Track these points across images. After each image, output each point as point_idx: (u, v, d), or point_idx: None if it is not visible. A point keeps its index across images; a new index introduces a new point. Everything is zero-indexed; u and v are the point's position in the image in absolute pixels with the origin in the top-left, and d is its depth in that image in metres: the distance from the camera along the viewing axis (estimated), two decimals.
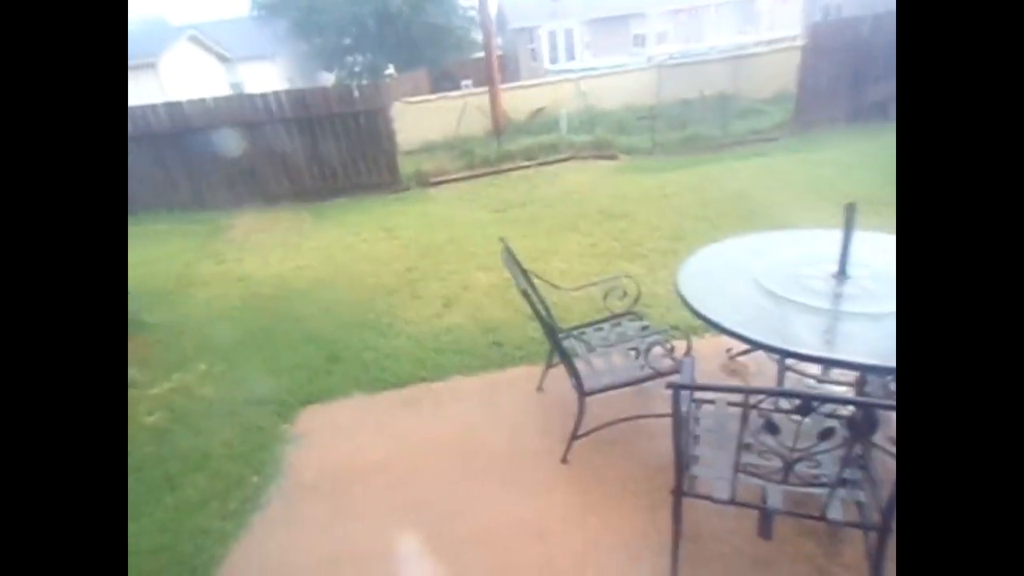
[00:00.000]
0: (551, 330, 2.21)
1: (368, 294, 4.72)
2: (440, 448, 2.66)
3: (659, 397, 2.55)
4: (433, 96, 13.60)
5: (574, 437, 2.39)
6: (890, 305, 1.86)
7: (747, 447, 1.65)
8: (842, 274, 2.07)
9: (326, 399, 3.23)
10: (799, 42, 9.98)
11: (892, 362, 1.61)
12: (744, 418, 1.37)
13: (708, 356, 3.00)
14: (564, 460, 2.42)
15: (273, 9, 22.16)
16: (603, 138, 10.14)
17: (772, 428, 1.34)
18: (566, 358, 2.26)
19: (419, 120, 11.86)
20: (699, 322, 2.00)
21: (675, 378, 1.60)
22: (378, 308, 4.38)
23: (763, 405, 1.82)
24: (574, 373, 2.27)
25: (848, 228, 2.04)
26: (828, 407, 1.63)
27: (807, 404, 1.26)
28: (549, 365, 2.87)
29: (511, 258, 2.40)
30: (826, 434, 1.31)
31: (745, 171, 7.29)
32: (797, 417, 1.35)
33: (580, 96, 12.52)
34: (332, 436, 2.91)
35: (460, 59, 22.43)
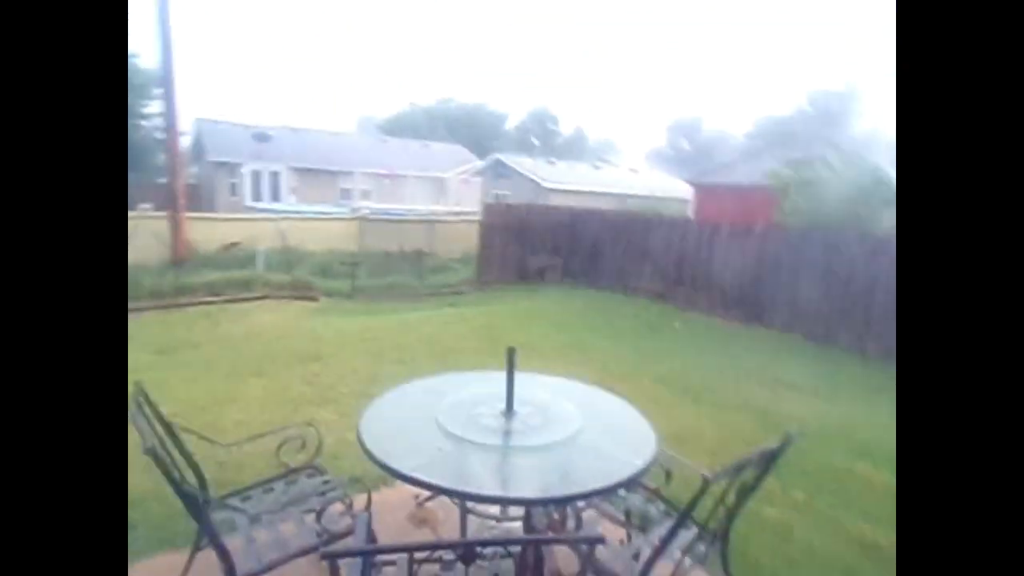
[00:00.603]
0: (189, 500, 1.73)
1: None
2: None
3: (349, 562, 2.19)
4: None
5: None
6: (552, 436, 2.06)
7: None
8: (509, 411, 2.25)
9: None
10: (477, 217, 12.06)
11: (558, 492, 1.72)
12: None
13: (396, 506, 2.81)
14: None
15: None
16: (303, 279, 9.85)
17: None
18: (211, 536, 1.77)
19: None
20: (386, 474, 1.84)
21: (346, 542, 1.37)
22: None
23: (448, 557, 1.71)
24: (222, 555, 1.78)
25: (510, 369, 2.27)
26: (499, 550, 1.62)
27: (469, 551, 1.20)
28: (196, 548, 2.22)
29: (141, 406, 1.89)
30: None
31: (438, 318, 7.91)
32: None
33: (280, 235, 12.15)
34: None
35: (140, 182, 19.75)
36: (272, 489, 2.35)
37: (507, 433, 2.13)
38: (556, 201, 20.31)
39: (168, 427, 2.09)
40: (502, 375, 2.57)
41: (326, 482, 2.37)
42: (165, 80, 10.29)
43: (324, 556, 1.07)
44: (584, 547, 1.67)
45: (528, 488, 1.82)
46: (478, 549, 1.26)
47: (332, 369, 5.24)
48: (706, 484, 1.62)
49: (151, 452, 1.54)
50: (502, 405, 2.27)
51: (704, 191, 18.46)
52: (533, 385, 2.55)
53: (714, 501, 1.84)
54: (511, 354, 2.25)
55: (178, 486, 1.67)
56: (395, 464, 1.77)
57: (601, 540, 1.21)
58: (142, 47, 22.26)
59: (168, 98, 10.29)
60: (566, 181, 25.78)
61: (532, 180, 25.18)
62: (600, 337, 7.26)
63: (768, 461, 1.80)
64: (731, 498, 1.87)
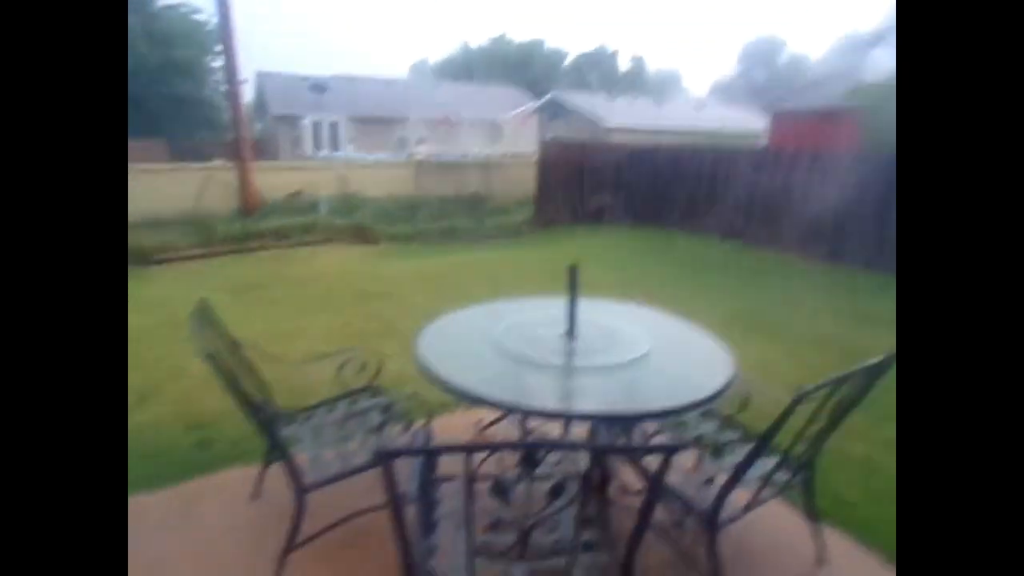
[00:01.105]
0: (254, 410, 1.74)
1: None
2: None
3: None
4: (168, 166, 11.90)
5: (289, 549, 1.86)
6: (617, 357, 1.93)
7: (493, 527, 1.43)
8: (571, 332, 2.12)
9: None
10: (534, 158, 11.71)
11: (624, 407, 1.60)
12: (469, 484, 1.15)
13: (458, 430, 2.81)
14: None
15: None
16: (364, 224, 10.00)
17: (500, 490, 1.15)
18: (278, 447, 1.79)
19: (147, 191, 10.10)
20: (447, 397, 1.78)
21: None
22: None
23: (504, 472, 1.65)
24: (289, 466, 1.80)
25: (572, 291, 2.13)
26: (560, 465, 1.54)
27: (532, 455, 1.10)
28: (268, 462, 2.30)
29: (203, 319, 1.90)
30: (557, 491, 1.17)
31: (496, 259, 7.83)
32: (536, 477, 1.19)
33: (341, 183, 12.34)
34: None
35: (211, 138, 20.57)
36: (335, 408, 2.37)
37: (570, 353, 2.01)
38: (617, 140, 19.45)
39: (234, 344, 2.12)
40: (557, 302, 2.42)
41: (387, 406, 2.37)
42: (224, 36, 10.40)
43: (379, 457, 1.00)
44: (653, 461, 1.56)
45: (592, 405, 1.70)
46: (540, 456, 1.16)
47: (393, 306, 5.30)
48: (796, 401, 1.45)
49: (211, 359, 1.54)
50: (563, 327, 2.15)
51: (779, 118, 16.93)
52: (596, 310, 2.41)
53: (797, 430, 1.67)
54: (573, 273, 2.11)
55: (243, 395, 1.67)
56: (455, 379, 1.71)
57: (675, 449, 1.08)
58: (201, 2, 22.70)
59: (228, 54, 10.43)
60: (627, 118, 24.54)
61: (590, 119, 24.15)
62: (663, 276, 6.96)
63: (872, 376, 1.59)
64: (819, 424, 1.69)
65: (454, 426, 2.85)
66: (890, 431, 3.01)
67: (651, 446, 1.97)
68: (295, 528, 1.86)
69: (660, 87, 40.41)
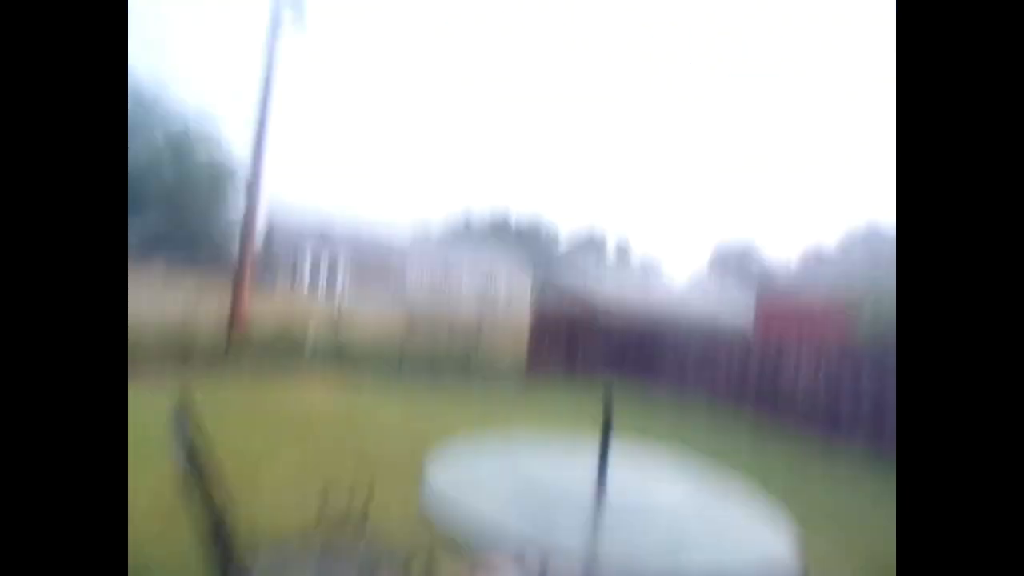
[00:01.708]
0: (216, 532, 1.41)
1: None
2: None
3: None
4: (165, 277, 11.85)
5: None
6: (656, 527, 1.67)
7: None
8: (600, 499, 1.86)
9: None
10: (526, 323, 12.04)
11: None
12: None
13: None
14: None
15: None
16: (350, 364, 9.72)
17: None
18: None
19: (139, 301, 9.88)
20: (449, 539, 1.50)
21: None
22: None
23: None
24: None
25: (604, 444, 1.86)
26: None
27: None
28: None
29: (181, 419, 1.65)
30: None
31: (488, 406, 7.48)
32: None
33: (333, 321, 12.30)
34: None
35: (215, 256, 21.15)
36: (310, 543, 1.99)
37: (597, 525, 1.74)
38: (608, 319, 20.15)
39: (207, 450, 1.84)
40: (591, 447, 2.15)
41: (377, 545, 2.00)
42: (253, 177, 11.05)
43: None
44: None
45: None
46: None
47: (378, 440, 4.89)
48: None
49: (189, 462, 1.29)
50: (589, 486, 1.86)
51: (764, 306, 17.69)
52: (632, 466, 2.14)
53: None
54: (607, 422, 1.88)
55: (212, 510, 1.38)
56: (471, 511, 1.45)
57: None
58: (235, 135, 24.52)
59: (252, 194, 11.06)
60: (618, 299, 25.78)
61: (582, 297, 25.31)
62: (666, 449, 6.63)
63: None
64: None
65: None
66: None
67: None
68: None
69: (648, 271, 43.36)
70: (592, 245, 46.91)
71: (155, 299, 10.34)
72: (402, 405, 7.21)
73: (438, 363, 11.26)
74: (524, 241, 42.19)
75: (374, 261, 24.33)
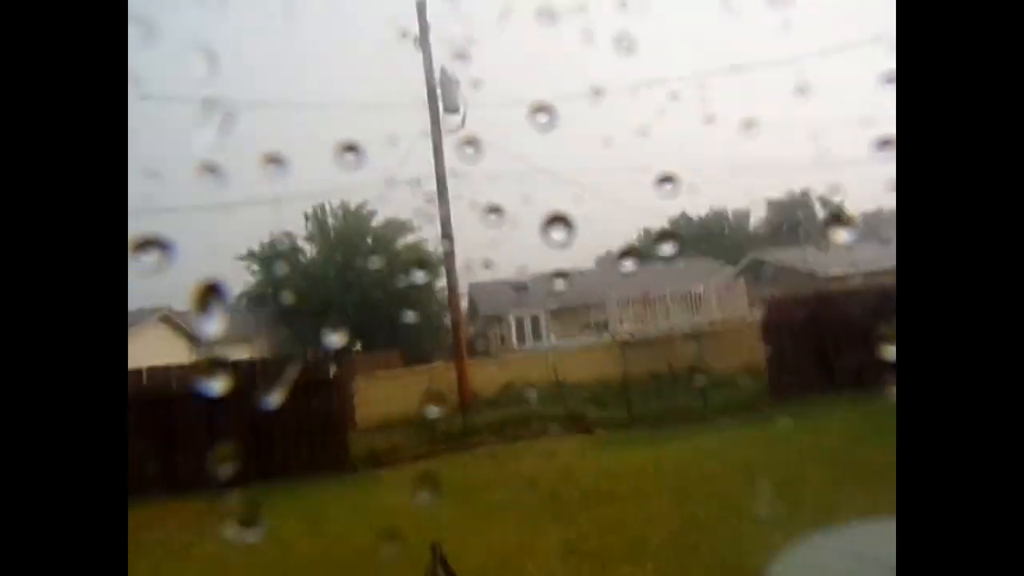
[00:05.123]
0: None
1: None
2: None
3: None
4: (399, 371, 13.29)
5: None
6: None
7: None
8: None
9: None
10: (748, 322, 10.45)
11: None
12: None
13: None
14: None
15: (259, 300, 23.67)
16: (576, 411, 9.46)
17: None
18: None
19: (382, 395, 11.17)
20: None
21: None
22: None
23: None
24: None
25: None
26: None
27: None
28: None
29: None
30: None
31: (739, 443, 6.42)
32: None
33: (549, 371, 12.32)
34: None
35: (434, 344, 23.42)
36: None
37: None
38: (842, 289, 16.99)
39: None
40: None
41: None
42: (447, 258, 12.19)
43: None
44: None
45: None
46: None
47: (633, 512, 4.32)
48: None
49: None
50: None
51: None
52: None
53: None
54: None
55: None
56: None
57: None
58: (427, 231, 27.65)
59: (449, 273, 12.16)
60: (849, 266, 21.76)
61: (804, 272, 21.98)
62: None
63: None
64: None
65: None
66: None
67: None
68: None
69: (870, 228, 36.28)
70: (796, 211, 40.88)
71: (393, 390, 11.48)
72: (640, 454, 6.54)
73: (663, 389, 10.36)
74: (716, 236, 38.75)
75: (572, 301, 24.48)
